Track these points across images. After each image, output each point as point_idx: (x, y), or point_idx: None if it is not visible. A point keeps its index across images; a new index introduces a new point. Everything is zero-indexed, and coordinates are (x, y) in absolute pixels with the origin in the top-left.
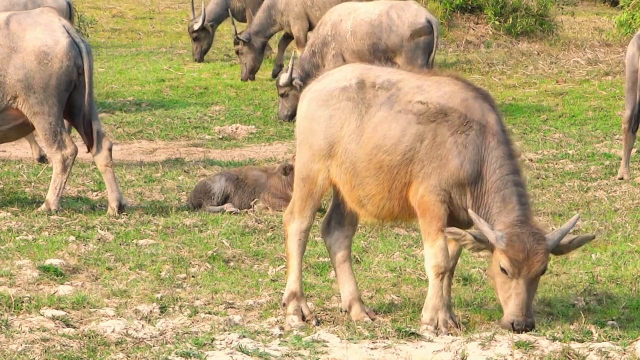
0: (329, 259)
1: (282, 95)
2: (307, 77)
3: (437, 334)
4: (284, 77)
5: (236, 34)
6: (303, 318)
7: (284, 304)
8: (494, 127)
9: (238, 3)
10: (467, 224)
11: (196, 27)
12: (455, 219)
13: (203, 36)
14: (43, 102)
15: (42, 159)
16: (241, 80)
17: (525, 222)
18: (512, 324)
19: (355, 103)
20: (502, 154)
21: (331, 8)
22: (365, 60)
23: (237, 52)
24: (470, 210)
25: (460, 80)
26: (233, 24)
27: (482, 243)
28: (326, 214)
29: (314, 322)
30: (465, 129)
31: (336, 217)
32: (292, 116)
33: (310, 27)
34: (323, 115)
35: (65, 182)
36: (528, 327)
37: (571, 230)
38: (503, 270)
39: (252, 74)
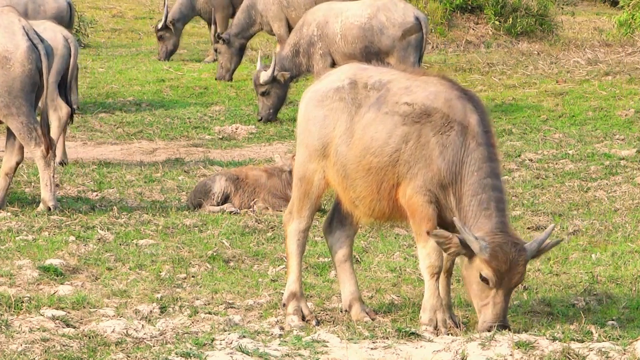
0: (329, 259)
1: (262, 94)
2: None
3: (437, 334)
4: (264, 75)
5: (216, 32)
6: (303, 318)
7: (284, 304)
8: (475, 128)
9: (205, 4)
10: (449, 224)
11: (159, 26)
12: (442, 219)
13: (168, 36)
14: (10, 104)
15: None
16: (215, 79)
17: (505, 230)
18: (489, 330)
19: (346, 103)
20: (480, 156)
21: (312, 8)
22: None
23: (215, 51)
24: (455, 219)
25: (447, 80)
26: (213, 23)
27: (465, 249)
28: (328, 213)
29: (314, 322)
30: (446, 129)
31: (338, 216)
32: (274, 114)
33: (289, 26)
34: (318, 115)
35: (53, 176)
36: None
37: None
38: (484, 279)
39: (228, 73)
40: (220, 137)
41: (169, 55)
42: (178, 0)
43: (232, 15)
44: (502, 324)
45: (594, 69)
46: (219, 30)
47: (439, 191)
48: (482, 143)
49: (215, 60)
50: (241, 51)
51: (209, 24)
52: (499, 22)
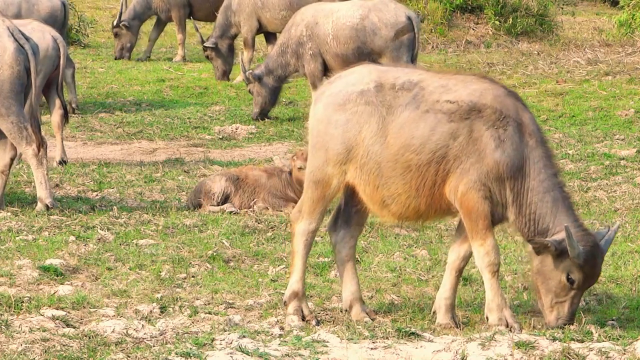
0: (330, 259)
1: (250, 93)
2: (269, 74)
3: (511, 331)
4: (244, 78)
5: (202, 42)
6: (303, 318)
7: (285, 303)
8: (530, 126)
9: (161, 3)
10: (499, 222)
11: (114, 23)
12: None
13: (123, 33)
14: (0, 105)
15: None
16: (216, 80)
17: (585, 229)
18: (561, 328)
19: (374, 106)
20: (543, 154)
21: (301, 9)
22: (350, 62)
23: (207, 57)
24: (566, 225)
25: (487, 78)
26: (197, 30)
27: (556, 250)
28: (334, 212)
29: (313, 322)
30: (502, 124)
31: (344, 216)
32: (261, 114)
33: (260, 29)
34: (340, 119)
35: (47, 174)
36: None
37: None
38: (571, 280)
39: (225, 75)
40: (220, 137)
41: (125, 52)
42: None
43: (190, 15)
44: (572, 322)
45: (594, 69)
46: (178, 29)
47: (494, 186)
48: (541, 141)
49: (183, 59)
50: (231, 51)
51: (161, 23)
52: (499, 22)
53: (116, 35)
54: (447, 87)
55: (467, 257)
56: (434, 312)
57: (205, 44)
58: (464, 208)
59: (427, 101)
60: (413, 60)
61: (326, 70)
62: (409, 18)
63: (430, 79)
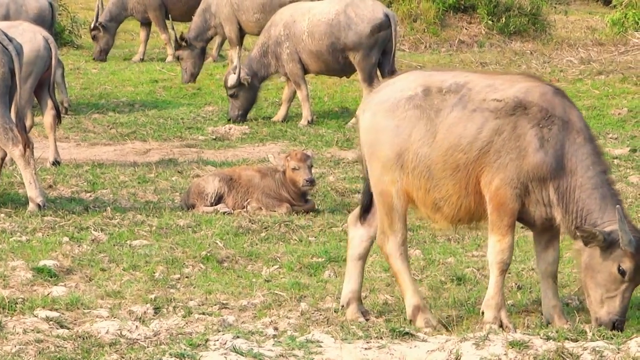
0: (323, 259)
1: (231, 96)
2: (254, 76)
3: (507, 331)
4: (232, 79)
5: (176, 39)
6: (434, 327)
7: (411, 320)
8: (577, 123)
9: (137, 4)
10: (536, 220)
11: (92, 25)
12: (526, 213)
13: (101, 35)
14: None
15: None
16: (182, 83)
17: (633, 224)
18: (615, 323)
19: (422, 110)
20: (591, 151)
21: (281, 8)
22: (324, 59)
23: (177, 58)
24: (618, 207)
25: (534, 77)
26: (173, 29)
27: (604, 242)
28: (360, 207)
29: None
30: (547, 123)
31: (369, 215)
32: (242, 116)
33: (240, 29)
34: (389, 125)
35: (35, 173)
36: (622, 328)
37: None
38: (622, 272)
39: (192, 78)
40: (214, 137)
41: (104, 54)
42: (111, 0)
43: (166, 16)
44: (623, 320)
45: (586, 68)
46: (160, 30)
47: (533, 184)
48: (589, 138)
49: (175, 58)
50: (202, 54)
51: (142, 24)
52: (492, 21)
53: (94, 38)
54: (493, 86)
55: (557, 260)
56: (547, 323)
57: (183, 37)
58: (494, 202)
59: (473, 101)
60: (391, 62)
61: (306, 70)
62: (386, 15)
63: (477, 79)
